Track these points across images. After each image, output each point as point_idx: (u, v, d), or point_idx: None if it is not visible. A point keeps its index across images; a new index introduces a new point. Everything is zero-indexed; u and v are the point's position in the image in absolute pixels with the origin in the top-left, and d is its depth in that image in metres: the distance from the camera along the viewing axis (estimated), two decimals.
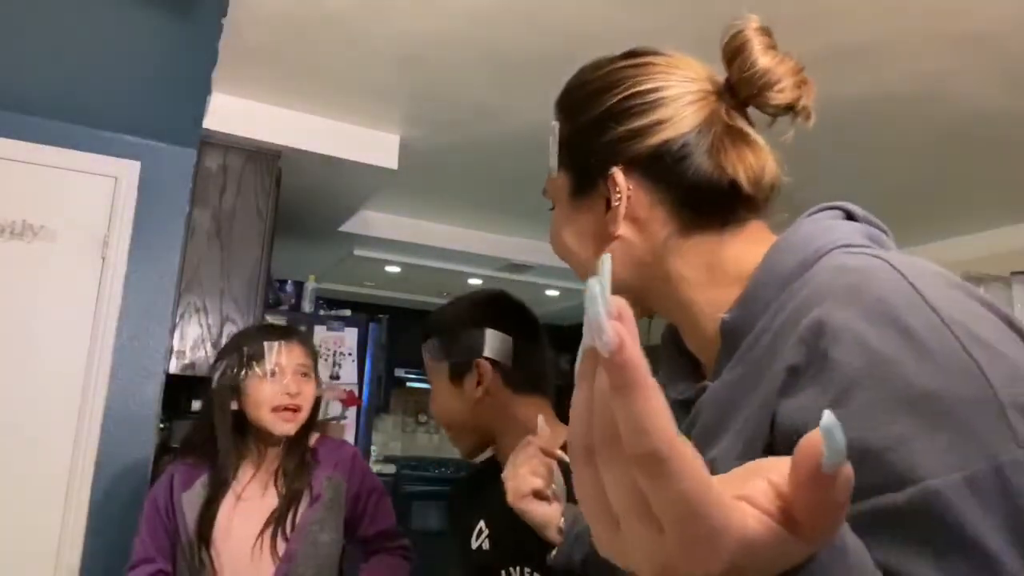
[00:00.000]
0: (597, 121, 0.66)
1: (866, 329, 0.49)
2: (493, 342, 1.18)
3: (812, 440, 0.30)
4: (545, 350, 1.25)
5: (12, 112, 2.36)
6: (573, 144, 0.70)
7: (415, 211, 3.92)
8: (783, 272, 0.59)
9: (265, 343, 1.62)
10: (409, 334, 6.53)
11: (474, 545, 1.21)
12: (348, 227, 3.78)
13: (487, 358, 1.17)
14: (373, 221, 3.90)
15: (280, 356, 1.61)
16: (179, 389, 2.50)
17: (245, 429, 1.62)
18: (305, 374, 1.63)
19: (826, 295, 0.53)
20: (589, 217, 0.68)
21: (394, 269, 4.63)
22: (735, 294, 0.62)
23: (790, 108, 0.63)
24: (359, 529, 1.71)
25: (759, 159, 0.64)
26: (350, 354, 3.00)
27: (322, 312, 3.26)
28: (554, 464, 0.95)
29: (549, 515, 0.92)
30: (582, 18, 1.99)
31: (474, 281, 4.83)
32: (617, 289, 0.70)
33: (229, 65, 2.30)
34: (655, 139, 0.64)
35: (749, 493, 0.33)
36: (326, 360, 2.95)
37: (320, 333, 2.97)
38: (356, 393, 2.96)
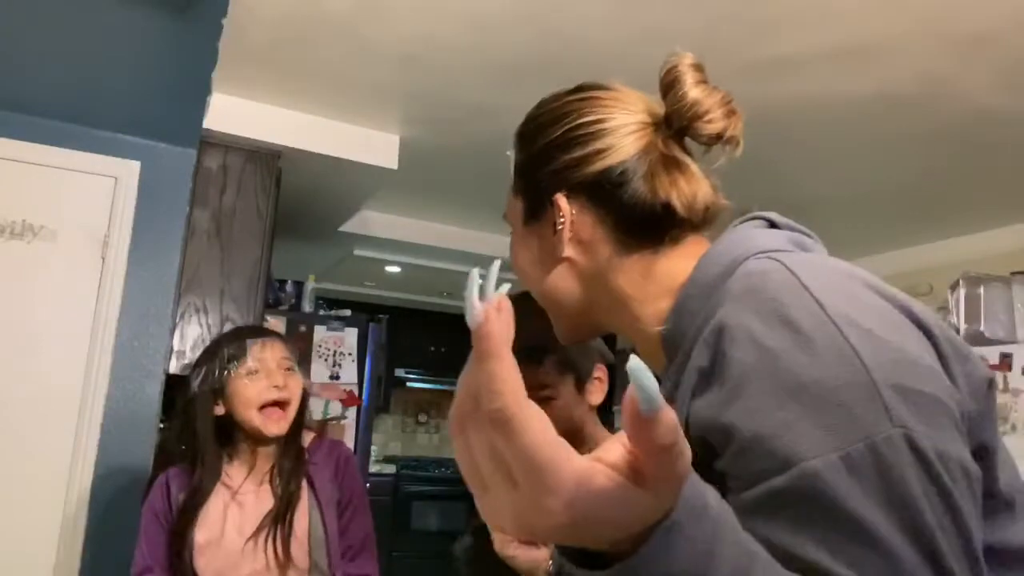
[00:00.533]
0: (544, 150, 0.72)
1: (758, 327, 0.53)
2: (602, 346, 1.26)
3: (630, 389, 0.33)
4: None
5: (12, 112, 2.36)
6: (525, 172, 0.74)
7: (415, 211, 3.91)
8: (707, 283, 0.63)
9: (247, 341, 1.62)
10: (409, 334, 6.48)
11: None
12: (348, 227, 3.77)
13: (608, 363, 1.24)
14: (373, 221, 3.89)
15: (262, 352, 1.61)
16: (179, 389, 2.50)
17: (232, 432, 1.61)
18: (289, 368, 1.63)
19: (730, 299, 0.58)
20: (540, 241, 0.73)
21: (394, 269, 4.63)
22: (670, 306, 0.66)
23: (719, 137, 0.68)
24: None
25: (691, 185, 0.68)
26: (350, 354, 2.99)
27: (322, 312, 3.26)
28: None
29: (536, 560, 0.94)
30: (581, 19, 1.99)
31: None
32: (570, 309, 0.73)
33: (229, 65, 2.30)
34: (596, 166, 0.69)
35: (601, 454, 0.36)
36: (326, 360, 2.95)
37: (320, 333, 2.97)
38: (356, 393, 2.96)
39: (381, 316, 3.39)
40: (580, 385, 1.21)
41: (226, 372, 1.58)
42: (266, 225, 2.68)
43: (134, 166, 2.51)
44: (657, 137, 0.69)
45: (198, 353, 2.44)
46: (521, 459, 0.33)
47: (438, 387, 6.18)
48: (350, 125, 2.78)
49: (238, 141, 2.64)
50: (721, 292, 0.60)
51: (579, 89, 0.74)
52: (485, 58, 2.23)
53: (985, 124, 2.48)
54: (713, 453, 0.53)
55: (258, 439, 1.59)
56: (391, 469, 5.53)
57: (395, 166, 2.85)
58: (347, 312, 3.23)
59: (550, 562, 0.93)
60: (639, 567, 0.37)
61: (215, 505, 1.57)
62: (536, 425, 0.33)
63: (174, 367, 2.46)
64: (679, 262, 0.67)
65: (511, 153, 0.76)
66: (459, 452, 0.37)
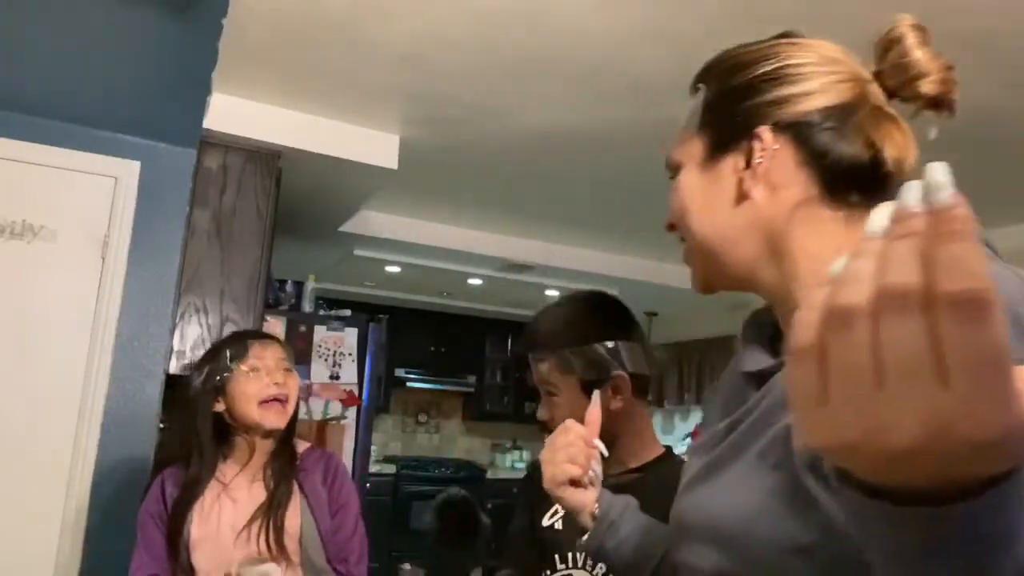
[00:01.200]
0: (749, 85, 0.69)
1: None
2: (630, 355, 1.20)
3: None
4: None
5: (12, 112, 2.36)
6: (719, 105, 0.71)
7: (415, 211, 3.91)
8: None
9: (248, 341, 1.69)
10: (409, 334, 6.46)
11: (547, 523, 1.27)
12: (348, 227, 3.78)
13: (630, 372, 1.19)
14: (373, 221, 3.89)
15: (263, 351, 1.67)
16: (179, 389, 2.50)
17: (230, 431, 1.65)
18: (287, 369, 1.69)
19: None
20: (722, 178, 0.70)
21: (394, 269, 4.63)
22: None
23: (936, 101, 0.66)
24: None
25: (906, 140, 0.66)
26: (350, 354, 2.99)
27: (322, 312, 3.26)
28: (595, 451, 0.95)
29: (584, 501, 0.93)
30: (581, 19, 1.99)
31: (474, 281, 4.83)
32: (730, 256, 0.69)
33: (229, 65, 2.30)
34: (803, 107, 0.66)
35: None
36: (326, 360, 2.95)
37: (320, 333, 2.97)
38: (356, 393, 2.96)
39: (381, 316, 3.39)
40: (587, 389, 1.19)
41: (228, 370, 1.63)
42: (266, 225, 2.68)
43: (134, 166, 2.51)
44: (869, 90, 0.67)
45: (198, 353, 2.46)
46: (983, 353, 0.30)
47: (438, 387, 6.18)
48: (350, 125, 2.78)
49: (238, 141, 2.64)
50: None
51: (785, 35, 0.72)
52: (486, 58, 2.23)
53: (985, 124, 2.47)
54: None
55: (255, 432, 1.64)
56: (391, 469, 5.53)
57: (395, 166, 2.85)
58: (347, 312, 3.22)
59: (596, 504, 0.92)
60: (974, 513, 0.35)
61: (209, 501, 1.60)
62: (1003, 321, 0.30)
63: (174, 367, 2.46)
64: None
65: (702, 87, 0.73)
66: (856, 342, 0.32)
